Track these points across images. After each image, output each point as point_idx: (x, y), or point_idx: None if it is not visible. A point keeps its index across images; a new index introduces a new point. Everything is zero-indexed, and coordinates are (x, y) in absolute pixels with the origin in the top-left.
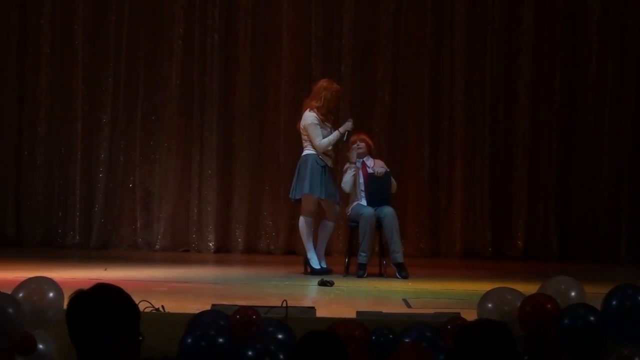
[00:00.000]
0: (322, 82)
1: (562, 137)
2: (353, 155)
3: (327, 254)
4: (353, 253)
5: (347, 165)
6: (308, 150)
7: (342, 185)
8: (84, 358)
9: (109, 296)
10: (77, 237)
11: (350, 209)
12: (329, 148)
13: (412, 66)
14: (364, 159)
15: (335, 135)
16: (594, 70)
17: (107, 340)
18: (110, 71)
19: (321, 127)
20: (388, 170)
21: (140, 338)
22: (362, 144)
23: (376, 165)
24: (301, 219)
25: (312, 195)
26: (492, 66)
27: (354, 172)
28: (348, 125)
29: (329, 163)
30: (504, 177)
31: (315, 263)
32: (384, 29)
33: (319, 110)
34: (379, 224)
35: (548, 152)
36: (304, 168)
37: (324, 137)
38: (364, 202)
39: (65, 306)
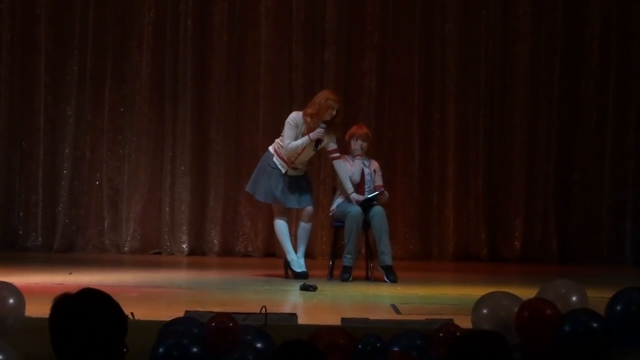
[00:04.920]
0: (323, 91)
1: (562, 130)
2: (356, 149)
3: (310, 256)
4: (338, 255)
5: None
6: (270, 148)
7: (350, 176)
8: None
9: (96, 302)
10: (40, 238)
11: (335, 207)
12: (298, 154)
13: (400, 54)
14: (364, 160)
15: (304, 140)
16: (596, 58)
17: (91, 349)
18: (75, 59)
19: (298, 133)
20: (383, 192)
21: (125, 350)
22: (365, 144)
23: (375, 174)
24: (274, 220)
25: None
26: (486, 54)
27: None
28: (320, 132)
29: (290, 172)
30: (500, 173)
31: (296, 266)
32: (371, 14)
33: (309, 115)
34: (366, 224)
35: (547, 147)
36: (258, 164)
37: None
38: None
39: (27, 312)
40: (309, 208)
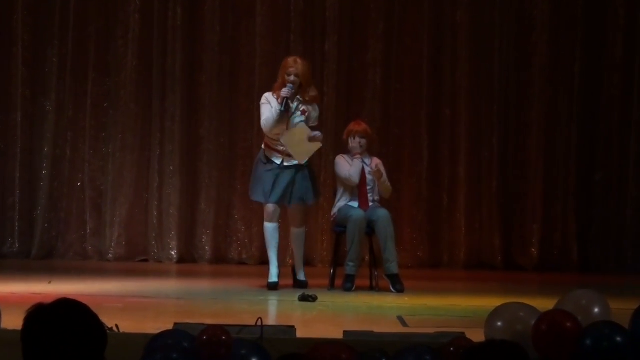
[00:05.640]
0: None
1: (583, 127)
2: (355, 147)
3: (309, 264)
4: (339, 263)
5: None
6: (263, 143)
7: (349, 178)
8: None
9: (72, 313)
10: (17, 244)
11: (336, 211)
12: (276, 127)
13: (408, 45)
14: (364, 158)
15: (274, 108)
16: (620, 50)
17: None
18: (55, 50)
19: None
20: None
21: None
22: (364, 141)
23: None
24: (264, 225)
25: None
26: (501, 45)
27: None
28: (285, 90)
29: (287, 162)
30: (515, 174)
31: (271, 275)
32: (375, 1)
33: (275, 89)
34: (370, 229)
35: (567, 145)
36: (254, 166)
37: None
38: (355, 203)
39: (2, 324)
40: (293, 207)
